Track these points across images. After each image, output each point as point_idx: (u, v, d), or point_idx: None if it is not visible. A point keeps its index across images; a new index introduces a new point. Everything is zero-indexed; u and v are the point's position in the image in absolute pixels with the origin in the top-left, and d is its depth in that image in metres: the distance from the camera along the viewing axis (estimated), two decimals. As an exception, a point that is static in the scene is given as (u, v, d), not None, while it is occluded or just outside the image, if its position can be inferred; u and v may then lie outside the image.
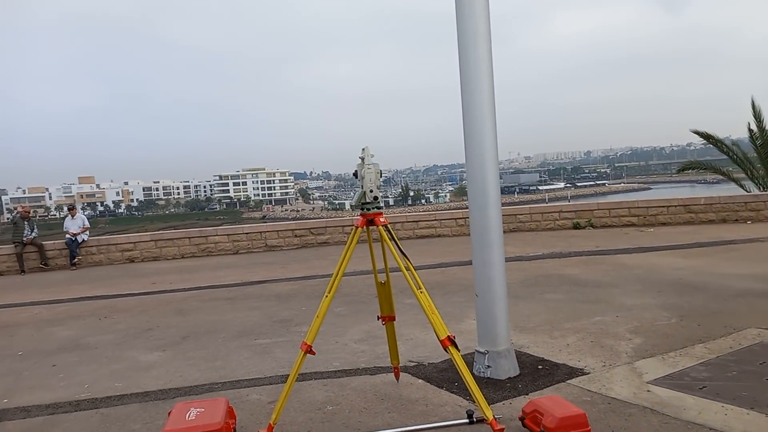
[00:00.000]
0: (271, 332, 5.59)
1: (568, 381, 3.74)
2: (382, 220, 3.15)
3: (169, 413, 3.03)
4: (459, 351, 2.98)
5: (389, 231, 3.12)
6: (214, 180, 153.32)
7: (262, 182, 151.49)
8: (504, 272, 3.98)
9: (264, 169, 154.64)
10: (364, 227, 3.21)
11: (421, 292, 3.01)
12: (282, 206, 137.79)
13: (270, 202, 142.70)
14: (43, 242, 12.47)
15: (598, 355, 4.22)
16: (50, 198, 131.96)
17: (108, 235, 15.03)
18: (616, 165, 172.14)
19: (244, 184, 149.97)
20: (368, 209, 3.17)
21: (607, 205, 12.86)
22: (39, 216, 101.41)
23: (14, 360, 5.16)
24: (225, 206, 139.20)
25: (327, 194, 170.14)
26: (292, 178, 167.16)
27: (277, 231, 13.39)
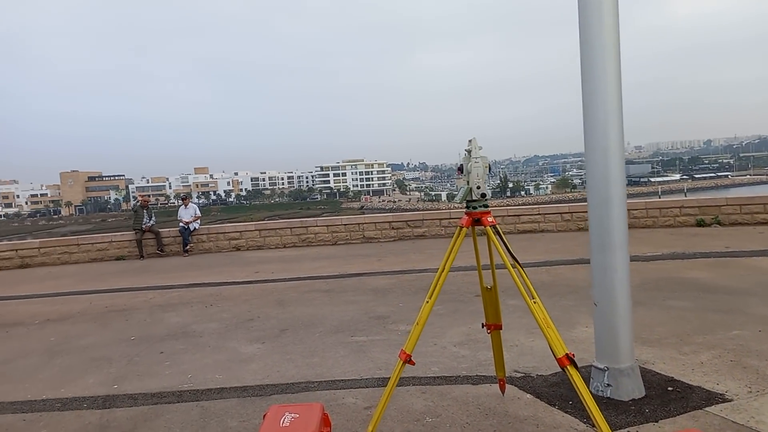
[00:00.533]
0: (368, 329, 5.45)
1: (706, 408, 3.21)
2: (490, 219, 2.83)
3: (264, 416, 2.94)
4: (578, 370, 2.60)
5: (498, 232, 2.80)
6: (316, 171, 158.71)
7: (361, 173, 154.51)
8: (628, 279, 3.50)
9: (363, 161, 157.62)
10: (470, 227, 2.91)
11: (534, 303, 2.67)
12: (379, 197, 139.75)
13: (368, 192, 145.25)
14: (160, 230, 13.33)
15: (741, 378, 3.62)
16: (170, 187, 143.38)
17: (219, 223, 15.83)
18: (741, 155, 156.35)
19: (344, 174, 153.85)
20: (474, 207, 2.86)
21: (737, 200, 11.47)
22: (160, 204, 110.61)
23: (128, 344, 5.43)
24: (325, 196, 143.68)
25: (423, 185, 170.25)
26: (389, 169, 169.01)
27: (375, 223, 13.36)
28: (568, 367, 2.56)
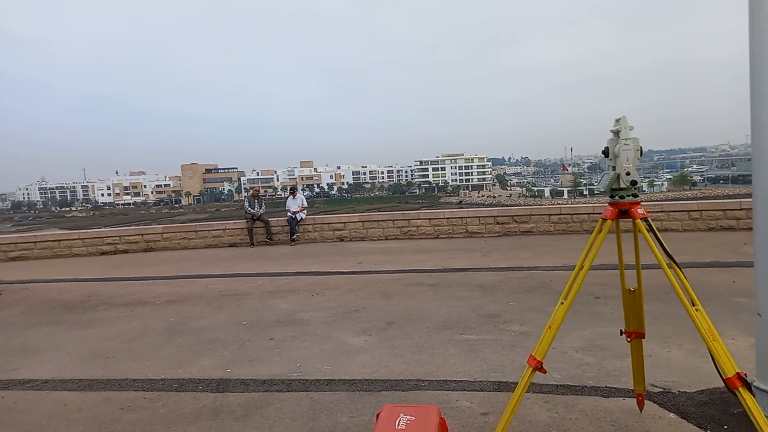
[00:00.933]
0: (478, 327, 5.16)
1: None
2: (640, 211, 2.44)
3: (377, 415, 2.77)
4: (752, 393, 2.16)
5: (651, 227, 2.41)
6: (415, 165, 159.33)
7: (460, 167, 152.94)
8: (805, 287, 2.93)
9: (462, 155, 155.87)
10: (614, 220, 2.54)
11: (696, 310, 2.26)
12: (478, 192, 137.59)
13: (467, 187, 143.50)
14: (269, 219, 13.82)
15: None
16: (277, 179, 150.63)
17: (322, 215, 16.17)
18: None
19: (443, 169, 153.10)
20: (622, 197, 2.49)
21: None
22: (268, 195, 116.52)
23: (239, 329, 5.55)
24: (424, 190, 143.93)
25: (525, 180, 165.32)
26: (490, 163, 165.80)
27: (479, 217, 12.95)
28: (740, 389, 2.13)
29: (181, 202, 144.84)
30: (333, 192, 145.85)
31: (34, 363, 4.66)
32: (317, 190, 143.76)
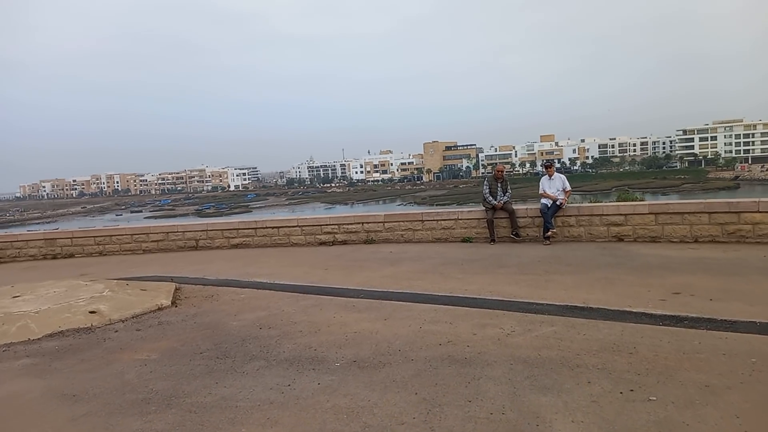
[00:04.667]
0: None
1: None
2: None
3: None
4: None
5: None
6: (677, 135, 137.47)
7: (737, 136, 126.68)
8: None
9: (741, 121, 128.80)
10: None
11: None
12: (762, 165, 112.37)
13: (745, 159, 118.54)
14: (516, 208, 10.33)
15: None
16: (515, 155, 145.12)
17: (588, 203, 12.07)
18: None
19: (713, 138, 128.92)
20: None
21: None
22: (505, 172, 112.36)
23: None
24: (686, 164, 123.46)
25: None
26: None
27: None
28: None
29: (422, 179, 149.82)
30: (576, 168, 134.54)
31: None
32: (557, 165, 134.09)
